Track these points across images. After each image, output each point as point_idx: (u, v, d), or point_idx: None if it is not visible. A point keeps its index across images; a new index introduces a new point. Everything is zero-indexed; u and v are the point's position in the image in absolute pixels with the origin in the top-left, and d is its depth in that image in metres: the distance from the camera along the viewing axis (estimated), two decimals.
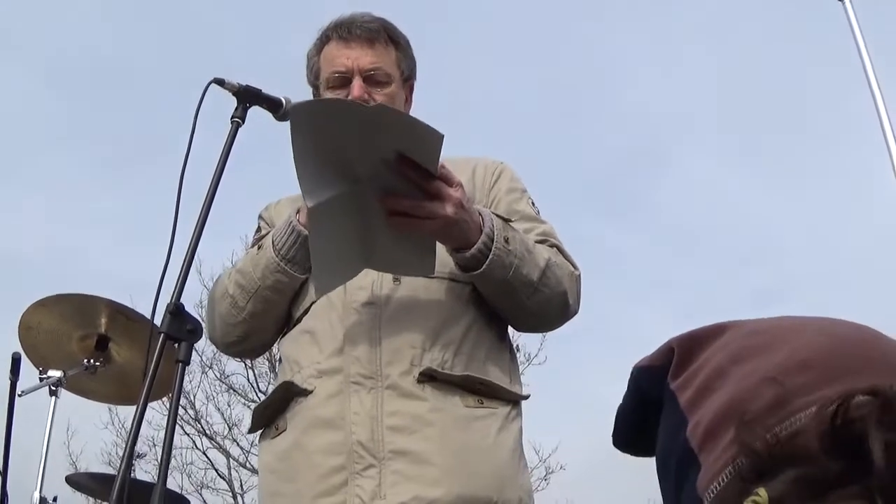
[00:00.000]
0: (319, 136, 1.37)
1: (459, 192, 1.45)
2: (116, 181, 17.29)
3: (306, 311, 1.65)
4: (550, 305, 1.61)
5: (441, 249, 1.55)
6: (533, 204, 1.78)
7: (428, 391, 1.51)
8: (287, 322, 1.71)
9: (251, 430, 1.73)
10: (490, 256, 1.49)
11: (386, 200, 1.42)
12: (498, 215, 1.56)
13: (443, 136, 1.36)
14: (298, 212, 1.60)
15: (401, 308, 1.57)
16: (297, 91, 1.80)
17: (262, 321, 1.67)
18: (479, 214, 1.51)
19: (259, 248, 1.65)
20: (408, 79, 1.81)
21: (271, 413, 1.64)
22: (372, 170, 1.40)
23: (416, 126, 1.39)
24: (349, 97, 1.67)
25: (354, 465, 1.46)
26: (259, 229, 1.84)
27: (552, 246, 1.67)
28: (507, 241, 1.51)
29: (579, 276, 1.68)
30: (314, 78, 1.80)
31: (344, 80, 1.71)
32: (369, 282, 1.59)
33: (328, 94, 1.73)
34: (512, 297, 1.57)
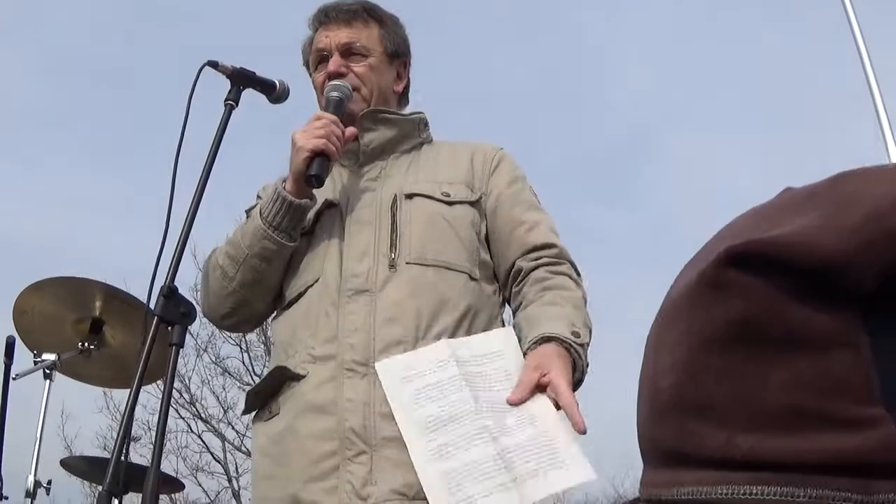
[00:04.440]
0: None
1: (567, 388, 1.43)
2: (112, 164, 17.24)
3: (301, 295, 1.64)
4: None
5: (434, 228, 1.60)
6: (534, 193, 1.78)
7: None
8: (279, 297, 1.71)
9: (245, 412, 1.73)
10: (582, 370, 1.52)
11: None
12: (580, 343, 1.52)
13: None
14: (285, 180, 1.63)
15: (396, 295, 1.57)
16: (295, 75, 1.81)
17: (253, 291, 1.67)
18: (567, 345, 1.50)
19: (248, 218, 1.67)
20: (395, 55, 1.82)
21: (264, 397, 1.64)
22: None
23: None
24: (327, 70, 1.74)
25: (346, 452, 1.46)
26: (257, 199, 1.85)
27: (562, 260, 1.67)
28: (583, 347, 1.53)
29: (584, 288, 1.68)
30: (307, 67, 1.85)
31: (324, 58, 1.77)
32: (364, 269, 1.59)
33: (315, 76, 1.80)
34: None
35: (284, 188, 1.61)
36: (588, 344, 1.54)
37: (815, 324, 0.39)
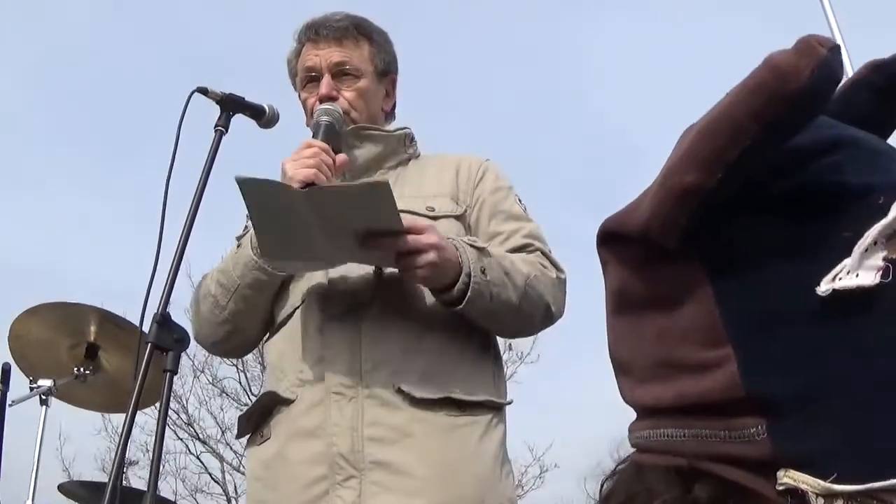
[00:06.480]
0: (270, 211, 1.41)
1: (434, 237, 1.45)
2: (108, 188, 17.23)
3: (289, 316, 1.64)
4: (534, 320, 1.61)
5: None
6: (520, 201, 1.75)
7: (408, 401, 1.51)
8: (271, 323, 1.70)
9: (238, 436, 1.73)
10: (468, 293, 1.47)
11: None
12: (472, 244, 1.53)
13: (386, 182, 1.35)
14: None
15: (381, 316, 1.56)
16: (283, 94, 1.81)
17: (245, 320, 1.66)
18: (455, 248, 1.49)
19: (239, 246, 1.65)
20: (385, 73, 1.79)
21: (255, 421, 1.65)
22: (335, 243, 1.42)
23: (359, 190, 1.39)
24: (319, 93, 1.70)
25: (335, 476, 1.46)
26: (246, 229, 1.84)
27: (535, 250, 1.65)
28: (483, 271, 1.48)
29: (564, 279, 1.66)
30: (294, 81, 1.82)
31: (313, 78, 1.73)
32: (349, 289, 1.58)
33: (303, 95, 1.76)
34: (495, 319, 1.57)
35: None
36: (488, 288, 1.49)
37: (661, 282, 0.44)
